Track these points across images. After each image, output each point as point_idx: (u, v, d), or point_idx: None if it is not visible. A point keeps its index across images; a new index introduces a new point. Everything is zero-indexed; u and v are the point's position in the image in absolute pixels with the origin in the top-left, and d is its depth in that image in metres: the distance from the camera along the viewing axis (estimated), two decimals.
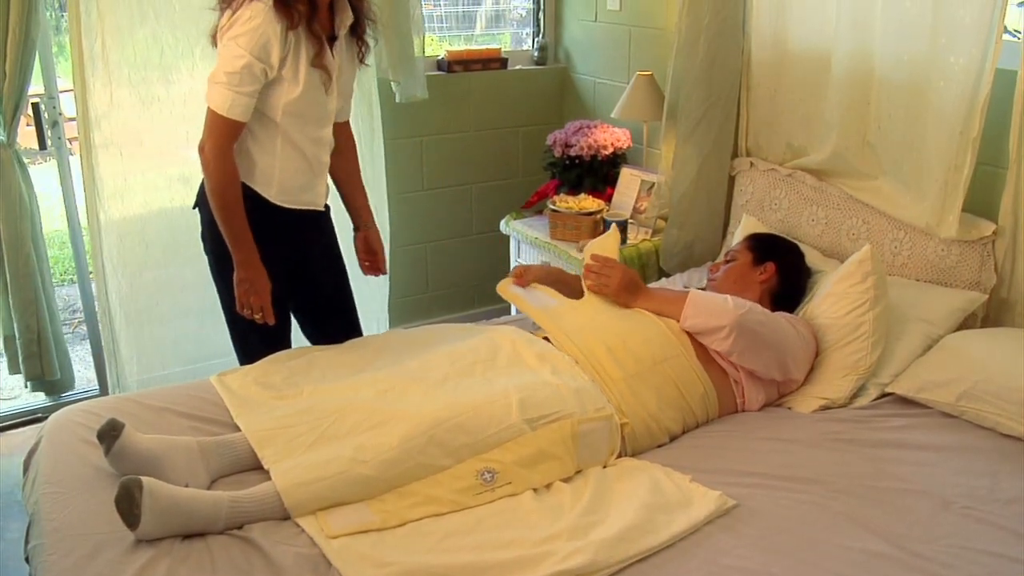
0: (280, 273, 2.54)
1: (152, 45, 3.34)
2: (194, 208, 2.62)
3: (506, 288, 2.71)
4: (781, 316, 2.47)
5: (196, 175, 3.49)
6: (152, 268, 3.55)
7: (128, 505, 1.74)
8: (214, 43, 2.50)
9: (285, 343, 2.65)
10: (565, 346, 2.38)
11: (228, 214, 2.41)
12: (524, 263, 2.82)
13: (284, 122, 2.42)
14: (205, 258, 3.60)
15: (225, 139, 2.34)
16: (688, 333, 2.42)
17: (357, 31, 2.51)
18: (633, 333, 2.39)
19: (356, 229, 2.84)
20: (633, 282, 2.55)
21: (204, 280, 3.62)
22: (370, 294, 4.03)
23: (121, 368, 3.56)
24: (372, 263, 2.87)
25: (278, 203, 2.50)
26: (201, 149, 2.36)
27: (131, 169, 3.42)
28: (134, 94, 3.35)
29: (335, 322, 2.79)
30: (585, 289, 2.62)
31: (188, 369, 3.70)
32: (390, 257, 4.09)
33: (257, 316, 2.49)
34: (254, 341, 2.57)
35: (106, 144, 3.35)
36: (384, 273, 2.91)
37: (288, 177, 2.50)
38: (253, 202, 2.46)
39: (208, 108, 2.33)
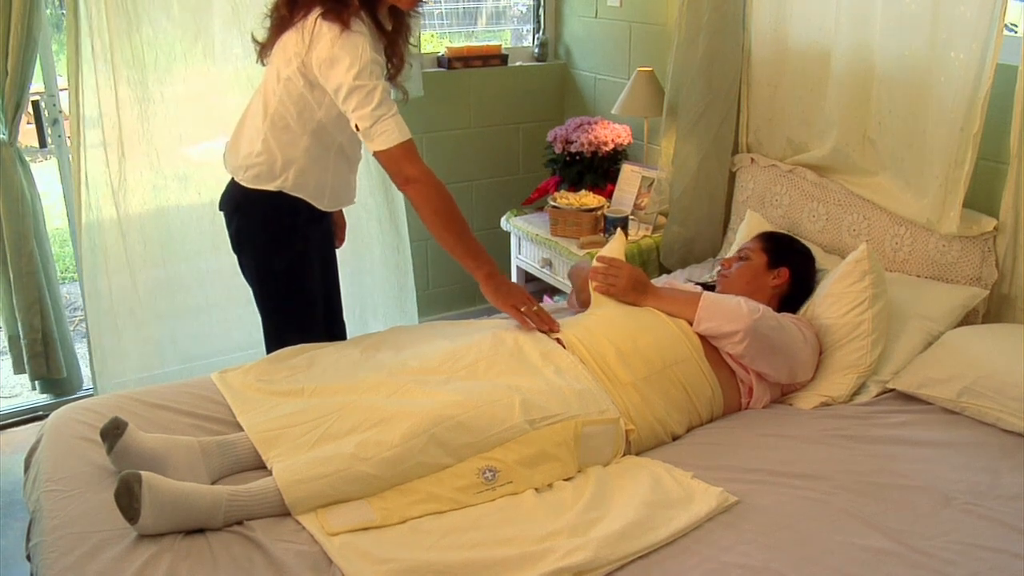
0: (318, 271, 2.61)
1: (150, 45, 3.34)
2: (220, 209, 2.65)
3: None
4: (789, 320, 2.46)
5: (193, 174, 3.54)
6: (150, 267, 3.56)
7: (127, 499, 1.74)
8: (262, 60, 2.52)
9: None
10: (574, 347, 2.37)
11: (457, 234, 2.44)
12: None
13: (341, 141, 2.49)
14: (202, 257, 3.61)
15: (417, 159, 2.36)
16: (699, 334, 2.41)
17: (390, 51, 2.51)
18: (644, 333, 2.38)
19: None
20: (641, 281, 2.54)
21: (201, 278, 3.65)
22: (391, 289, 4.05)
23: (113, 366, 3.57)
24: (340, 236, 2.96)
25: (326, 209, 2.56)
26: (406, 183, 2.35)
27: (129, 168, 3.42)
28: (132, 93, 3.35)
29: (331, 311, 2.84)
30: (592, 292, 2.61)
31: (184, 368, 3.71)
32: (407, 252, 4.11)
33: (533, 308, 2.50)
34: (293, 340, 2.57)
35: (104, 143, 3.35)
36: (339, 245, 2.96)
37: (338, 185, 2.57)
38: (306, 214, 2.53)
39: (382, 152, 2.31)
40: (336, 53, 2.26)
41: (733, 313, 2.35)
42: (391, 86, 2.53)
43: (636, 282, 2.53)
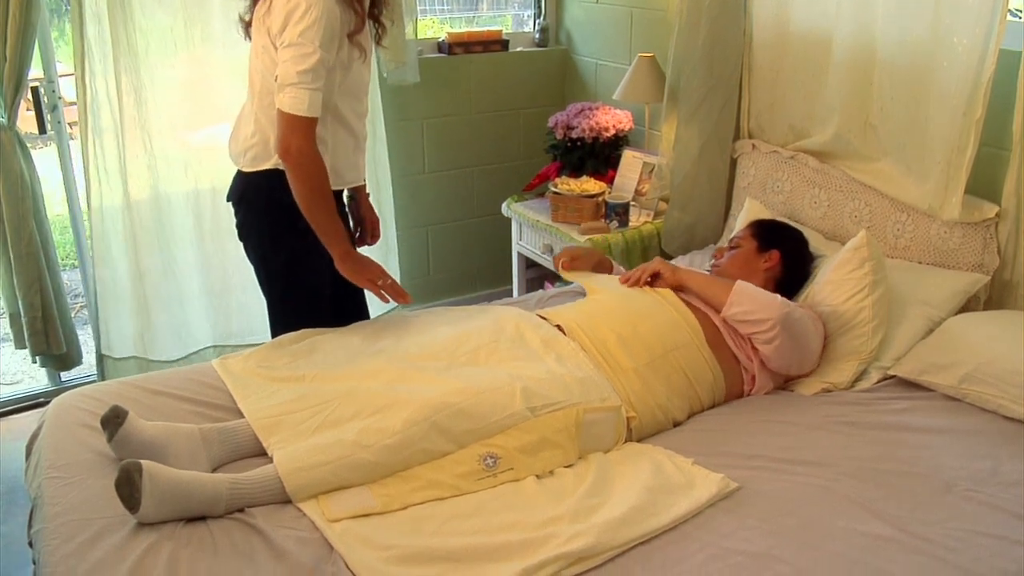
0: (328, 262, 2.53)
1: (147, 31, 3.33)
2: (228, 201, 2.62)
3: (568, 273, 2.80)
4: (806, 314, 2.46)
5: (195, 160, 3.52)
6: (151, 253, 3.56)
7: (128, 489, 1.75)
8: (247, 34, 2.49)
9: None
10: (574, 333, 2.37)
11: (325, 210, 2.41)
12: (568, 248, 2.90)
13: (337, 102, 2.43)
14: (204, 242, 3.60)
15: (310, 137, 2.32)
16: (698, 318, 2.42)
17: (374, 12, 2.48)
18: (644, 319, 2.39)
19: (351, 198, 2.84)
20: (668, 265, 2.60)
21: (199, 264, 3.65)
22: None
23: (120, 352, 3.59)
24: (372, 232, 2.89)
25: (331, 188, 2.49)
26: (287, 152, 2.31)
27: (130, 154, 3.41)
28: (130, 80, 3.34)
29: (351, 302, 2.79)
30: (587, 277, 2.64)
31: (187, 354, 3.72)
32: (392, 240, 4.10)
33: (388, 282, 2.51)
34: (296, 329, 2.55)
35: (105, 128, 3.35)
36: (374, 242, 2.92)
37: (339, 159, 2.50)
38: None
39: (284, 112, 2.28)
40: (290, 8, 2.24)
41: (767, 301, 2.36)
42: (374, 46, 2.52)
43: (664, 263, 2.60)
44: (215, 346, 3.77)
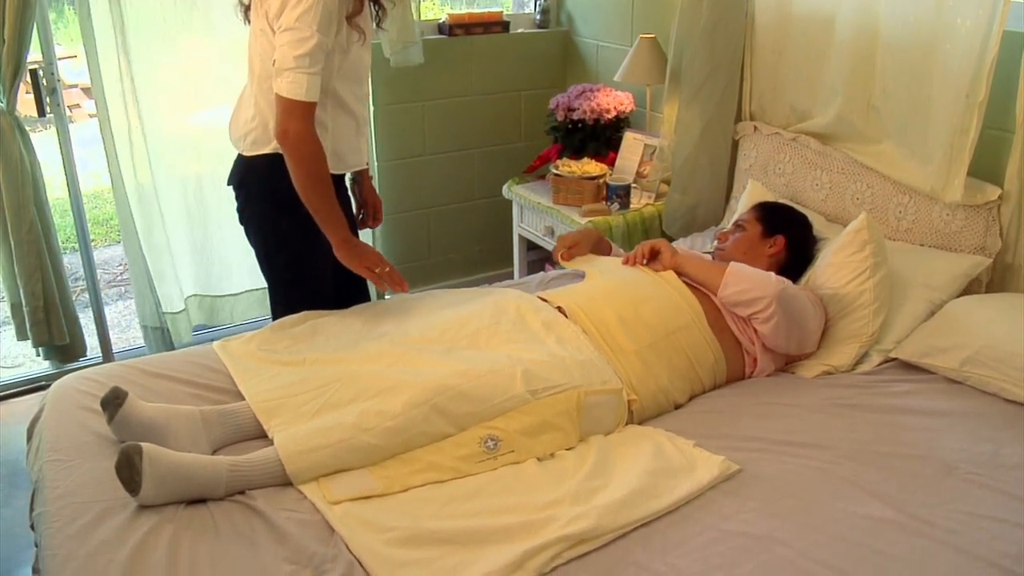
0: (330, 248, 2.51)
1: (158, 10, 3.33)
2: (228, 185, 2.60)
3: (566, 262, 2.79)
4: (802, 292, 2.46)
5: (204, 141, 3.51)
6: (162, 233, 3.57)
7: (128, 472, 1.75)
8: (246, 17, 2.47)
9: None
10: (575, 316, 2.37)
11: (323, 196, 2.39)
12: (565, 235, 2.90)
13: (336, 86, 2.41)
14: (215, 224, 3.60)
15: (308, 121, 2.30)
16: (699, 299, 2.42)
17: None
18: (645, 301, 2.38)
19: (354, 181, 2.83)
20: (670, 247, 2.59)
21: (214, 245, 3.66)
22: None
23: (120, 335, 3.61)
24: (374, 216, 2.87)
25: (331, 172, 2.46)
26: (284, 136, 2.30)
27: (141, 135, 3.43)
28: (142, 59, 3.34)
29: (353, 287, 2.78)
30: (585, 262, 2.64)
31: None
32: (392, 223, 4.10)
33: (386, 269, 2.49)
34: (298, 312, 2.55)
35: (117, 110, 3.36)
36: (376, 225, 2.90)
37: (340, 142, 2.49)
38: None
39: (281, 97, 2.27)
40: None
41: (762, 280, 2.36)
42: (376, 29, 2.51)
43: (666, 243, 2.59)
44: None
